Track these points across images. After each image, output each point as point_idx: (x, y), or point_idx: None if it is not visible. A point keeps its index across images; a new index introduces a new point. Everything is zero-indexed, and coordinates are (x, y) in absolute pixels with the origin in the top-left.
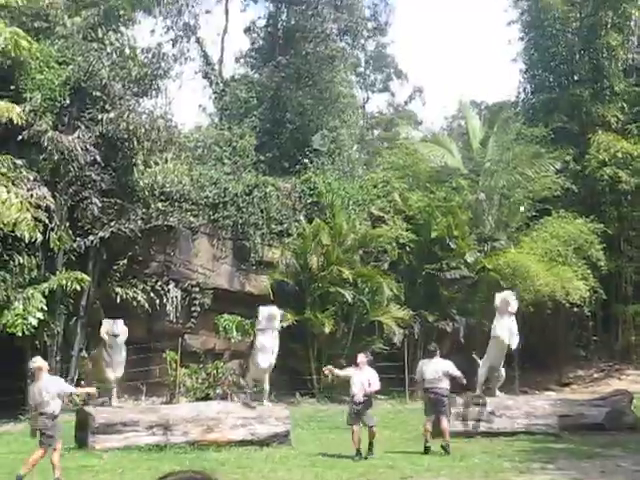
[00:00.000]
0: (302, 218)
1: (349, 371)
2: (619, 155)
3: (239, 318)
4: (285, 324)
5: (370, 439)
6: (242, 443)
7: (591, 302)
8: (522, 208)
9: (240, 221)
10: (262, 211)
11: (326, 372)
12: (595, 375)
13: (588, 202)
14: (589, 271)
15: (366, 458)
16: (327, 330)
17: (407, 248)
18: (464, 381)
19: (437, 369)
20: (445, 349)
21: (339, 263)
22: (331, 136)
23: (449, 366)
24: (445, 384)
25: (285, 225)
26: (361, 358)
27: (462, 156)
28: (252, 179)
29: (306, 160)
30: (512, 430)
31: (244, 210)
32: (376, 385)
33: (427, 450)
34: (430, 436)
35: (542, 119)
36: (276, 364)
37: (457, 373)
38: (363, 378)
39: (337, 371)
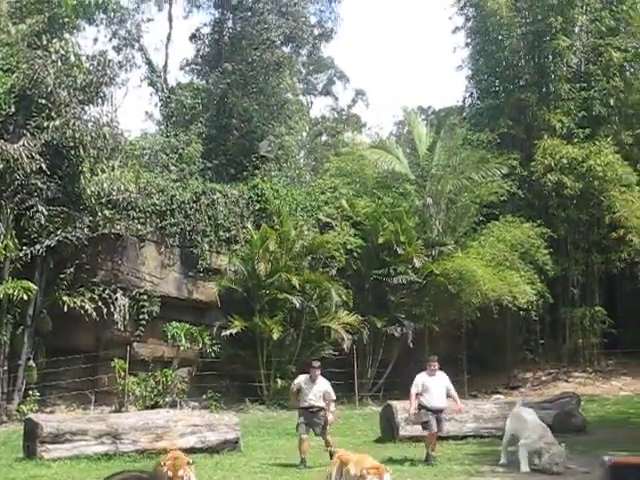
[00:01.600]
0: (250, 225)
1: (300, 380)
2: (564, 161)
3: (187, 326)
4: (234, 331)
5: (328, 446)
6: (192, 451)
7: (538, 306)
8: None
9: (188, 228)
10: (209, 218)
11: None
12: (543, 378)
13: (535, 206)
14: (536, 275)
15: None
16: (276, 336)
17: (355, 254)
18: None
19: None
20: (394, 354)
21: (287, 269)
22: (278, 142)
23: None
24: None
25: (233, 232)
26: (315, 365)
27: (409, 162)
28: (199, 186)
29: (253, 167)
30: (461, 434)
31: (191, 217)
32: (333, 395)
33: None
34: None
35: (488, 124)
36: (225, 371)
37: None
38: (316, 388)
39: (293, 388)
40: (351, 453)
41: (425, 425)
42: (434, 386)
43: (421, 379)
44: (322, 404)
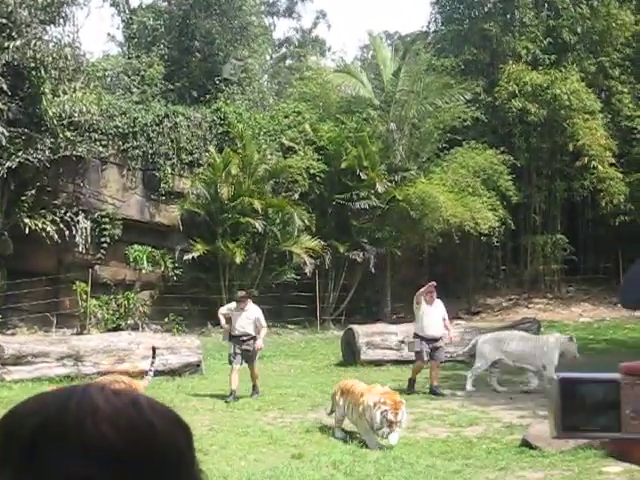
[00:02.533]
0: (212, 148)
1: (230, 307)
2: (528, 87)
3: (149, 249)
4: (196, 254)
5: (254, 380)
6: (154, 373)
7: (500, 232)
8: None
9: (150, 151)
10: (172, 141)
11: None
12: (504, 304)
13: (498, 133)
14: (498, 201)
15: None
16: (238, 260)
17: (318, 178)
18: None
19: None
20: (356, 279)
21: (250, 193)
22: (241, 65)
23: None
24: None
25: (195, 155)
26: (242, 294)
27: (373, 87)
28: (162, 109)
29: (216, 90)
30: None
31: (154, 140)
32: (264, 323)
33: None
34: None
35: (453, 50)
36: (188, 294)
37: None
38: (245, 316)
39: (221, 318)
40: (354, 382)
41: (417, 355)
42: (432, 314)
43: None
44: (253, 332)
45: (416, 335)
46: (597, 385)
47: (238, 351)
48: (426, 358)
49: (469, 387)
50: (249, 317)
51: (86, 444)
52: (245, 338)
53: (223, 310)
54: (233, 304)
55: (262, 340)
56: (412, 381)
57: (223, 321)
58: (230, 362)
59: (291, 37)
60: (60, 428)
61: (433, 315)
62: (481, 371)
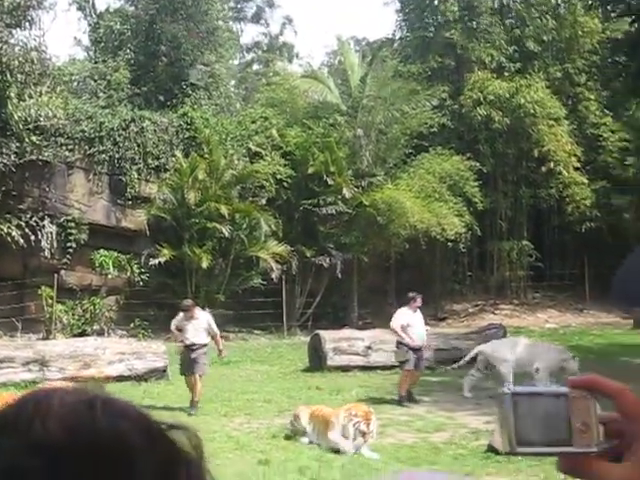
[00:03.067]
0: (179, 153)
1: (178, 318)
2: (491, 96)
3: (116, 254)
4: (162, 259)
5: (193, 394)
6: (120, 379)
7: (467, 238)
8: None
9: (116, 156)
10: (139, 146)
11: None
12: (470, 310)
13: (464, 139)
14: (465, 207)
15: (190, 415)
16: (205, 265)
17: (285, 184)
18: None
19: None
20: (322, 284)
21: (217, 199)
22: (208, 70)
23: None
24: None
25: (162, 160)
26: (187, 304)
27: (341, 92)
28: (128, 113)
29: (183, 94)
30: (389, 364)
31: (120, 145)
32: (216, 329)
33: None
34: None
35: (419, 57)
36: (154, 299)
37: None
38: (196, 324)
39: (175, 333)
40: (321, 407)
41: (404, 363)
42: (417, 324)
43: (405, 315)
44: (204, 341)
45: (402, 344)
46: (548, 398)
47: (188, 361)
48: (412, 367)
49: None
50: (199, 325)
51: (33, 439)
52: (194, 347)
53: (174, 324)
54: (179, 316)
55: (221, 345)
56: (409, 392)
57: (177, 334)
58: (182, 373)
59: (259, 42)
60: (13, 424)
61: (418, 324)
62: (511, 375)
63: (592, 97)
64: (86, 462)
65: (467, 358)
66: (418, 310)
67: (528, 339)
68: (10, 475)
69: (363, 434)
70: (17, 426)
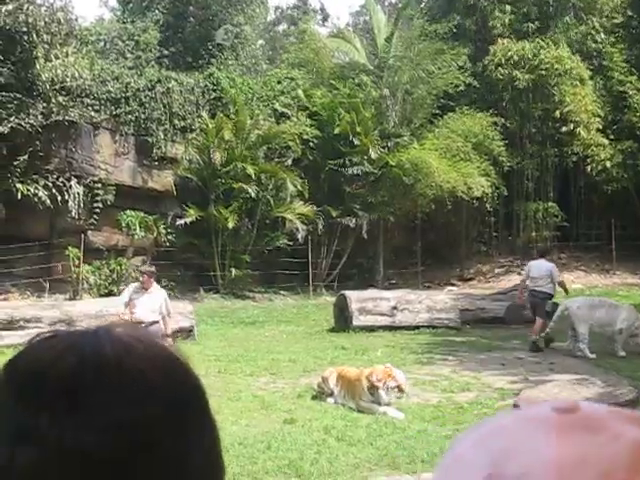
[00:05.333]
0: (205, 114)
1: (129, 290)
2: (515, 57)
3: (142, 214)
4: (188, 220)
5: None
6: (165, 339)
7: (493, 198)
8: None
9: (142, 116)
10: (165, 106)
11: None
12: (496, 270)
13: (489, 99)
14: (491, 167)
15: None
16: (231, 226)
17: (311, 144)
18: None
19: (541, 270)
20: (348, 245)
21: (243, 159)
22: (235, 31)
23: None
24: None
25: (188, 121)
26: (146, 271)
27: (367, 52)
28: (155, 74)
29: (210, 55)
30: (414, 324)
31: (146, 105)
32: (167, 309)
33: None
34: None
35: (443, 17)
36: (180, 260)
37: (556, 278)
38: (149, 300)
39: (124, 310)
40: (346, 369)
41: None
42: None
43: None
44: (154, 318)
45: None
46: None
47: None
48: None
49: (592, 355)
50: (152, 302)
51: (126, 385)
52: (142, 325)
53: (125, 297)
54: (131, 286)
55: (170, 329)
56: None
57: (127, 312)
58: None
59: (289, 5)
60: (99, 369)
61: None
62: (587, 335)
63: (617, 57)
64: (183, 402)
65: (555, 318)
66: (153, 287)
67: (612, 300)
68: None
69: (397, 387)
70: (105, 371)
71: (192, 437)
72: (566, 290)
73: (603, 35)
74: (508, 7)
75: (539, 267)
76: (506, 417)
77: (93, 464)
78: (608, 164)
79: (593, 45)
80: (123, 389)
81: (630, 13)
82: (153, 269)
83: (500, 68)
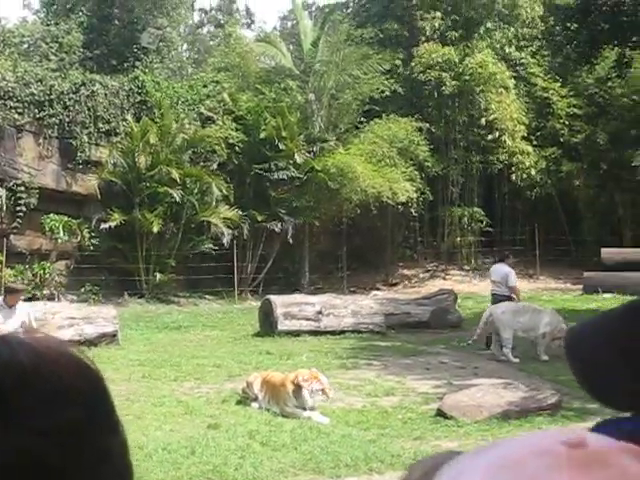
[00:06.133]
0: (130, 117)
1: None
2: (440, 60)
3: (66, 218)
4: (113, 224)
5: None
6: (70, 343)
7: (418, 203)
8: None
9: (67, 119)
10: (89, 109)
11: None
12: (421, 275)
13: (416, 105)
14: (416, 172)
15: None
16: (155, 230)
17: (236, 149)
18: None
19: (499, 274)
20: (274, 250)
21: (168, 163)
22: (159, 34)
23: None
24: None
25: (113, 124)
26: (11, 288)
27: (293, 57)
28: (79, 77)
29: (134, 58)
30: (339, 329)
31: (71, 108)
32: (34, 326)
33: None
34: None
35: (375, 22)
36: (104, 264)
37: (510, 282)
38: (15, 315)
39: None
40: (273, 374)
41: None
42: None
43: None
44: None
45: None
46: None
47: None
48: None
49: (515, 360)
50: (17, 318)
51: (46, 391)
52: None
53: None
54: None
55: None
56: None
57: None
58: None
59: (214, 7)
60: (18, 377)
61: None
62: (511, 340)
63: (540, 63)
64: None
65: (481, 324)
66: (19, 303)
67: (535, 305)
68: None
69: (322, 390)
70: None
71: (110, 438)
72: (518, 297)
73: (524, 42)
74: (438, 13)
75: (497, 271)
76: (516, 449)
77: (21, 471)
78: (533, 171)
79: (516, 53)
80: (44, 395)
81: (552, 22)
82: (17, 286)
83: (428, 70)
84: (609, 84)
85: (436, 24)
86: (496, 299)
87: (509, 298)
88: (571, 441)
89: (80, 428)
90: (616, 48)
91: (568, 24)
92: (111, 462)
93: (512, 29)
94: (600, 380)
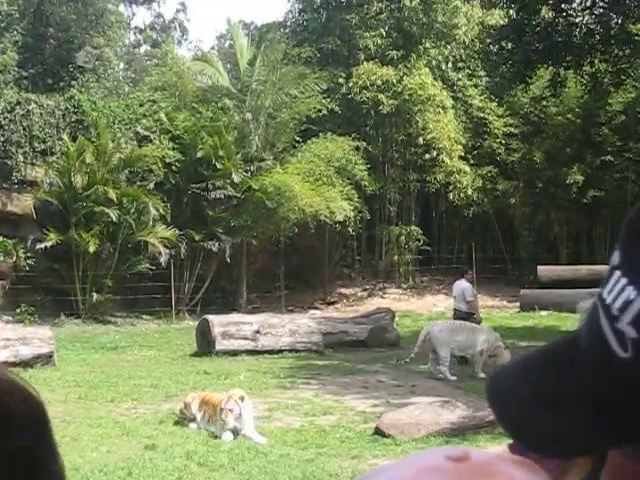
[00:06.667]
0: (66, 137)
1: None
2: (379, 82)
3: (1, 238)
4: (49, 244)
5: None
6: (5, 366)
7: (356, 222)
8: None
9: (2, 139)
10: (24, 129)
11: None
12: (359, 294)
13: (354, 124)
14: (354, 191)
15: None
16: (92, 250)
17: (173, 168)
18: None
19: (458, 289)
20: (211, 269)
21: (104, 182)
22: (96, 53)
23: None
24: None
25: (49, 143)
26: None
27: (230, 76)
28: (14, 96)
29: (70, 77)
30: (277, 348)
31: (5, 128)
32: None
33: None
34: None
35: (315, 41)
36: (40, 285)
37: (467, 298)
38: None
39: None
40: (211, 394)
41: None
42: None
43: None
44: None
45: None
46: None
47: None
48: None
49: (453, 378)
50: None
51: None
52: None
53: None
54: None
55: None
56: None
57: None
58: None
59: (149, 25)
60: None
61: None
62: (449, 358)
63: (476, 83)
64: None
65: (419, 342)
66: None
67: (471, 323)
68: None
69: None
70: None
71: (54, 463)
72: (477, 311)
73: (457, 64)
74: (376, 32)
75: (457, 287)
76: (404, 470)
77: None
78: (469, 190)
79: (453, 74)
80: None
81: (489, 41)
82: None
83: (365, 91)
84: (544, 103)
85: (378, 41)
86: (456, 315)
87: (468, 314)
88: (455, 455)
89: (30, 455)
90: (550, 67)
91: (503, 44)
92: None
93: (449, 48)
94: (531, 435)
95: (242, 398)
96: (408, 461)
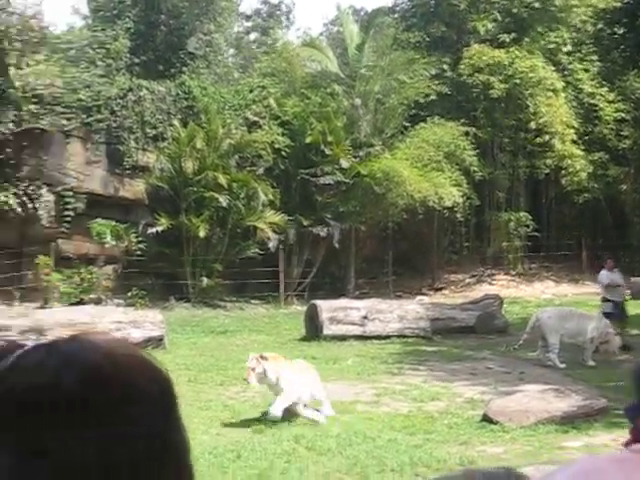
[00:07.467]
0: (177, 122)
1: None
2: (490, 62)
3: (113, 223)
4: (160, 229)
5: None
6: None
7: (464, 208)
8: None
9: (114, 125)
10: (136, 114)
11: None
12: (467, 280)
13: (463, 109)
14: (463, 177)
15: None
16: (202, 235)
17: (282, 153)
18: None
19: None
20: (320, 254)
21: (214, 168)
22: (206, 40)
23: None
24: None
25: (160, 129)
26: None
27: (339, 62)
28: (126, 82)
29: (181, 64)
30: (385, 333)
31: (118, 113)
32: None
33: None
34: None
35: (424, 27)
36: (151, 269)
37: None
38: None
39: None
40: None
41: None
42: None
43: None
44: None
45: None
46: None
47: None
48: None
49: (562, 365)
50: None
51: (127, 400)
52: None
53: None
54: None
55: None
56: None
57: None
58: None
59: (258, 11)
60: (99, 384)
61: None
62: (558, 345)
63: (587, 67)
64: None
65: (528, 329)
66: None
67: (581, 310)
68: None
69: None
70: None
71: (178, 436)
72: (615, 293)
73: (570, 47)
74: (487, 16)
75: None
76: (592, 460)
77: (98, 469)
78: (582, 175)
79: (564, 57)
80: (125, 404)
81: (601, 25)
82: None
83: (476, 74)
84: None
85: (488, 25)
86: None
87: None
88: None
89: (157, 429)
90: None
91: (615, 28)
92: (178, 459)
93: (563, 33)
94: None
95: (263, 357)
96: (595, 455)
